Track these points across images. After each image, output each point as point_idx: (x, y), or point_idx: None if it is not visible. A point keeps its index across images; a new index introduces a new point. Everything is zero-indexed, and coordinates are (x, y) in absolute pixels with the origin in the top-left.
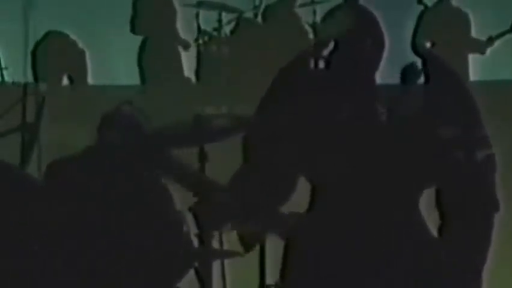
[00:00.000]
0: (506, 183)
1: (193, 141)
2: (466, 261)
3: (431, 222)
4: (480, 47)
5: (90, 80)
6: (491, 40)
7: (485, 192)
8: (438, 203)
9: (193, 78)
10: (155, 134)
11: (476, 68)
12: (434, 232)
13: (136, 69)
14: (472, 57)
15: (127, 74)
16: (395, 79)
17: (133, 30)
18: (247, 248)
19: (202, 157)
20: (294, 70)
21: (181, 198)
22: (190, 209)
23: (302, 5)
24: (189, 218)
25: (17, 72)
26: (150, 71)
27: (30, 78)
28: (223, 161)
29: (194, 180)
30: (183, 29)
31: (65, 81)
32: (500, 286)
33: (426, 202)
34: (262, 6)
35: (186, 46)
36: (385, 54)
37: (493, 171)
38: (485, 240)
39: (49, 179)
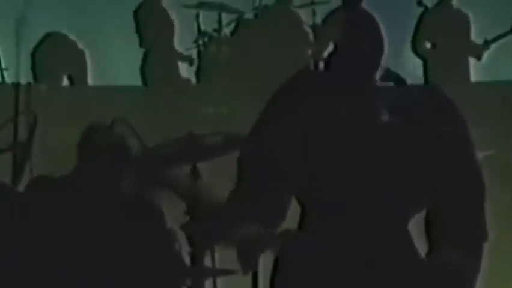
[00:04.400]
0: (505, 183)
1: (186, 159)
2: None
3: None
4: (477, 51)
5: (90, 81)
6: (486, 44)
7: (476, 219)
8: (428, 228)
9: (193, 79)
10: (148, 152)
11: (477, 68)
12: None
13: (136, 70)
14: (472, 58)
15: (127, 75)
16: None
17: (141, 45)
18: (245, 271)
19: (195, 176)
20: (293, 82)
21: (172, 216)
22: (181, 227)
23: (302, 6)
24: (181, 235)
25: (18, 72)
26: (149, 78)
27: (23, 79)
28: (216, 180)
29: (188, 196)
30: (183, 29)
31: (65, 81)
32: None
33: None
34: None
35: (191, 62)
36: (385, 55)
37: (484, 194)
38: (474, 268)
39: (34, 194)
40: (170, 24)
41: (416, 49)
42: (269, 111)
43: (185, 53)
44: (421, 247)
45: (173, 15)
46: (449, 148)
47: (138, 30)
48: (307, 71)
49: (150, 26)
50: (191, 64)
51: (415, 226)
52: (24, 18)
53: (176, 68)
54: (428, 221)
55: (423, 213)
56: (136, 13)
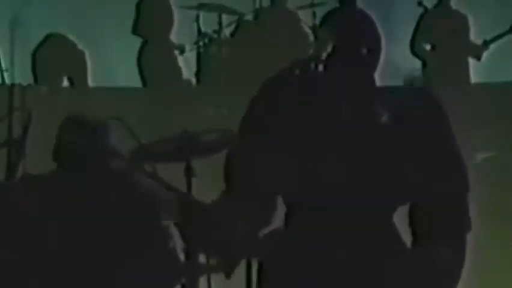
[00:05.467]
0: (505, 183)
1: (181, 157)
2: (438, 280)
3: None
4: (476, 52)
5: (90, 82)
6: (485, 44)
7: (459, 211)
8: (412, 220)
9: (193, 80)
10: (142, 150)
11: (476, 70)
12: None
13: (136, 71)
14: (472, 60)
15: (127, 76)
16: (394, 81)
17: (134, 31)
18: (227, 275)
19: (189, 173)
20: (280, 78)
21: (167, 213)
22: (176, 224)
23: (302, 8)
24: (176, 233)
25: (18, 73)
26: (148, 74)
27: (17, 80)
28: (210, 177)
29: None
30: (183, 31)
31: (65, 82)
32: None
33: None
34: None
35: (181, 50)
36: (384, 56)
37: (468, 189)
38: (459, 258)
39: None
40: (169, 17)
41: (415, 50)
42: (260, 109)
43: (186, 55)
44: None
45: (173, 12)
46: (435, 146)
47: (136, 19)
48: (301, 66)
49: (149, 16)
50: (181, 53)
51: (398, 218)
52: (22, 19)
53: (177, 68)
54: (412, 213)
55: (406, 206)
56: (138, 4)
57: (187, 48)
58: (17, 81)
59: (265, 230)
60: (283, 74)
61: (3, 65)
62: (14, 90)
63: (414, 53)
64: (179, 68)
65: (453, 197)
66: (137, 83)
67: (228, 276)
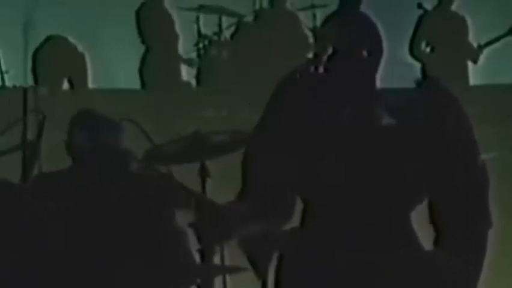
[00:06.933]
0: (503, 185)
1: (194, 157)
2: (459, 277)
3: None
4: (473, 55)
5: (90, 84)
6: (480, 48)
7: (479, 208)
8: (432, 216)
9: (193, 82)
10: (156, 150)
11: (476, 72)
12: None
13: (136, 73)
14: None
15: (127, 78)
16: (395, 83)
17: (143, 41)
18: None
19: (203, 173)
20: (292, 79)
21: (181, 214)
22: (190, 225)
23: (302, 9)
24: (190, 233)
25: (18, 75)
26: (149, 80)
27: (29, 82)
28: (225, 177)
29: (195, 198)
30: (184, 33)
31: (66, 85)
32: None
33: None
34: None
35: (191, 64)
36: (384, 58)
37: (488, 185)
38: (479, 256)
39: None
40: (171, 26)
41: (414, 52)
42: (271, 109)
43: (186, 56)
44: (426, 234)
45: (174, 18)
46: (452, 145)
47: (139, 30)
48: (306, 70)
49: (151, 26)
50: (192, 66)
51: (418, 213)
52: (29, 22)
53: (177, 69)
54: (432, 210)
55: (425, 202)
56: (138, 13)
57: (187, 51)
58: (23, 82)
59: (282, 229)
60: (289, 77)
61: (3, 67)
62: (28, 92)
63: (413, 55)
64: (179, 70)
65: (472, 193)
66: (136, 84)
67: (259, 275)
